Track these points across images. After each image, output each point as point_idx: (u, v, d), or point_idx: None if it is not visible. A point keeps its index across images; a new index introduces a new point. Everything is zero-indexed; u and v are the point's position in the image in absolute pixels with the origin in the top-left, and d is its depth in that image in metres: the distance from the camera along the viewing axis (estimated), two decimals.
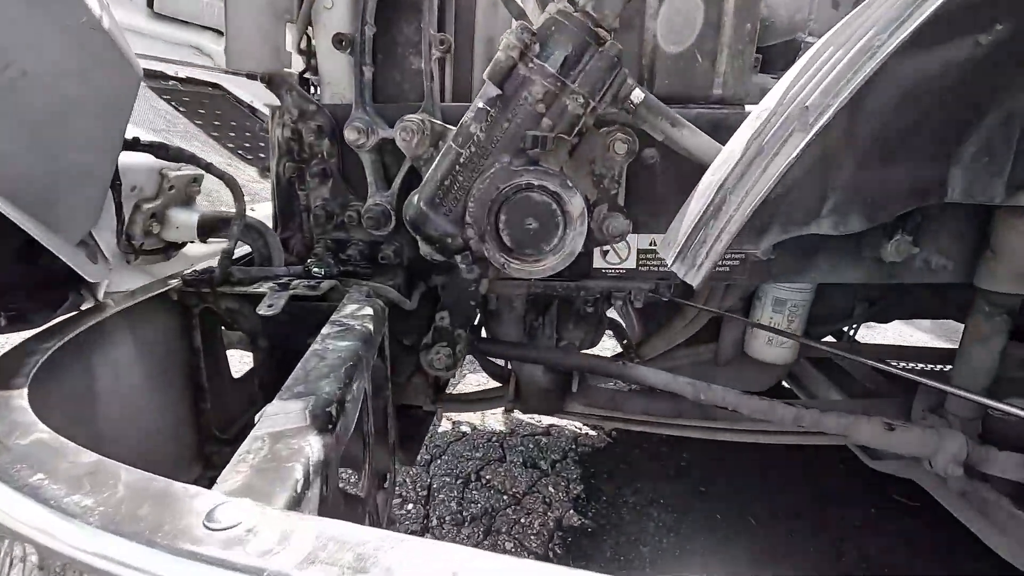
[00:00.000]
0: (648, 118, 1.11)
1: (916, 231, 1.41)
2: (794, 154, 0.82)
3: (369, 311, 1.04)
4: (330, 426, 0.66)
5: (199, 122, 2.77)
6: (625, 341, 2.00)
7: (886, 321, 2.28)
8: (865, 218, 1.28)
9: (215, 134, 2.76)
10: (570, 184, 1.08)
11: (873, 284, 2.02)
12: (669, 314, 2.02)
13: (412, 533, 2.29)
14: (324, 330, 0.94)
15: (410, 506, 2.51)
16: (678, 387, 1.46)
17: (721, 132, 1.20)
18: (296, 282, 1.16)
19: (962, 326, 1.51)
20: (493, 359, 2.00)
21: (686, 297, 1.86)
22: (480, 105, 1.08)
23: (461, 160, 1.10)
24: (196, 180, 1.38)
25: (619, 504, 2.52)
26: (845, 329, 2.29)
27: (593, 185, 1.24)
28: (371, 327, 0.98)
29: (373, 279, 1.31)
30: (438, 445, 2.99)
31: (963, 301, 1.99)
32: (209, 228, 1.29)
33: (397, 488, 2.63)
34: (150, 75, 2.61)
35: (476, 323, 1.94)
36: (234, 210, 1.22)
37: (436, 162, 1.14)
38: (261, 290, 1.13)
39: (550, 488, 2.64)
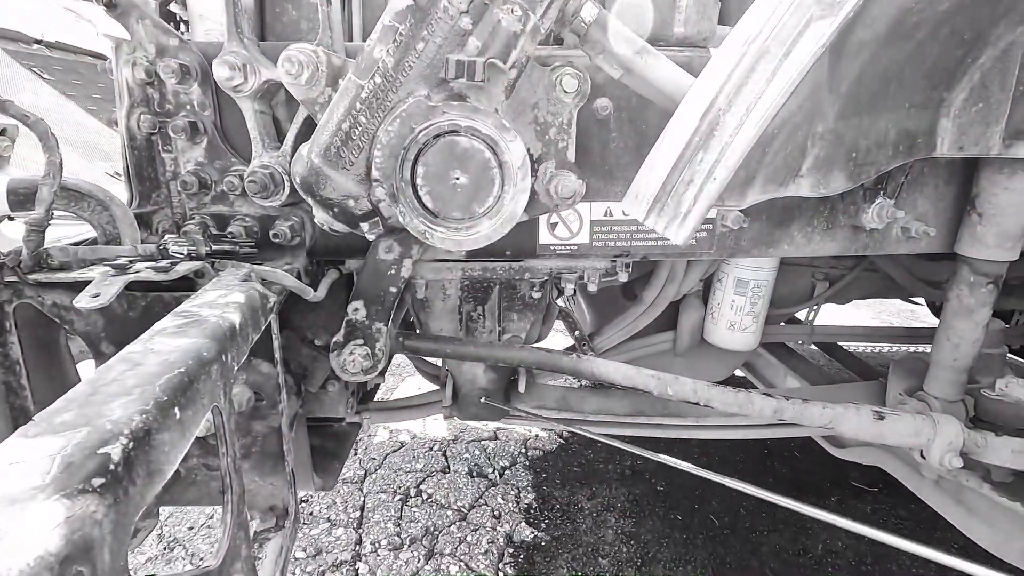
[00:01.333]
0: (605, 43, 0.88)
1: (897, 195, 1.26)
2: (819, 45, 0.60)
3: (237, 299, 0.75)
4: (103, 480, 0.38)
5: (72, 93, 2.33)
6: (577, 333, 1.78)
7: (845, 302, 2.18)
8: (848, 176, 1.11)
9: (92, 108, 2.33)
10: (507, 125, 0.83)
11: (843, 257, 1.91)
12: (625, 300, 1.82)
13: (342, 564, 1.99)
14: (158, 324, 0.65)
15: (339, 531, 2.20)
16: (642, 381, 1.25)
17: None
18: (141, 265, 0.85)
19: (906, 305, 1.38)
20: (427, 358, 1.73)
21: (643, 277, 1.67)
22: (387, 21, 0.81)
23: (363, 95, 0.83)
24: (3, 132, 1.03)
25: (574, 512, 2.31)
26: (801, 315, 2.17)
27: (536, 136, 1.00)
28: (235, 320, 0.69)
29: (266, 263, 1.02)
30: (373, 458, 2.68)
31: (925, 275, 1.90)
32: (23, 197, 0.95)
33: (326, 511, 2.31)
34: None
35: (405, 316, 1.66)
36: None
37: (333, 102, 0.87)
38: (90, 275, 0.82)
39: (499, 499, 2.40)
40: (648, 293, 1.71)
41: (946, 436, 1.16)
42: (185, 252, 0.91)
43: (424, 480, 2.52)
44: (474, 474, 2.56)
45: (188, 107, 1.09)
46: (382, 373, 1.37)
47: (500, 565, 2.02)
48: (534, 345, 1.45)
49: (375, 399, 1.82)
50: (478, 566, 2.02)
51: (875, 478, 2.33)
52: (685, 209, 0.66)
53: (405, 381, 3.28)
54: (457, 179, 0.84)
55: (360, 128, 0.84)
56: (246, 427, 1.02)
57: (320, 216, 0.93)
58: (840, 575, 2.02)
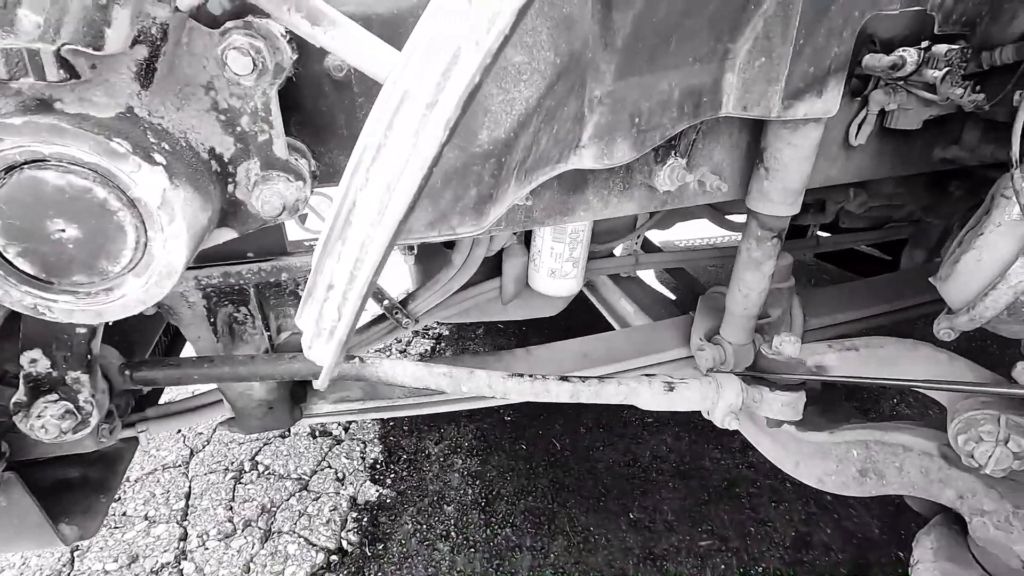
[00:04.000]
0: (271, 8, 0.61)
1: (690, 152, 1.16)
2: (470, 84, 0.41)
3: None
4: None
5: None
6: (386, 302, 1.60)
7: (668, 227, 2.19)
8: (632, 144, 0.98)
9: None
10: (122, 148, 0.56)
11: None
12: (438, 262, 1.65)
13: (163, 568, 1.81)
14: None
15: (160, 529, 1.98)
16: (433, 381, 1.13)
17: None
18: None
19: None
20: None
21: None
22: None
23: None
24: None
25: (421, 460, 2.28)
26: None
27: (223, 129, 0.73)
28: None
29: None
30: (200, 433, 2.42)
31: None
32: None
33: (142, 508, 2.07)
34: None
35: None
36: None
37: None
38: None
39: (343, 458, 2.30)
40: (456, 256, 1.55)
41: (727, 399, 1.19)
42: None
43: (260, 450, 2.33)
44: (317, 434, 2.42)
45: None
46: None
47: (343, 534, 1.97)
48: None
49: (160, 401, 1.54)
50: (319, 539, 1.94)
51: None
52: (329, 325, 0.48)
53: None
54: (62, 232, 0.57)
55: None
56: None
57: None
58: (664, 477, 2.22)
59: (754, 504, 2.10)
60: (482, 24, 0.43)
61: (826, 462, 1.42)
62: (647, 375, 1.22)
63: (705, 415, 1.25)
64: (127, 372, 1.03)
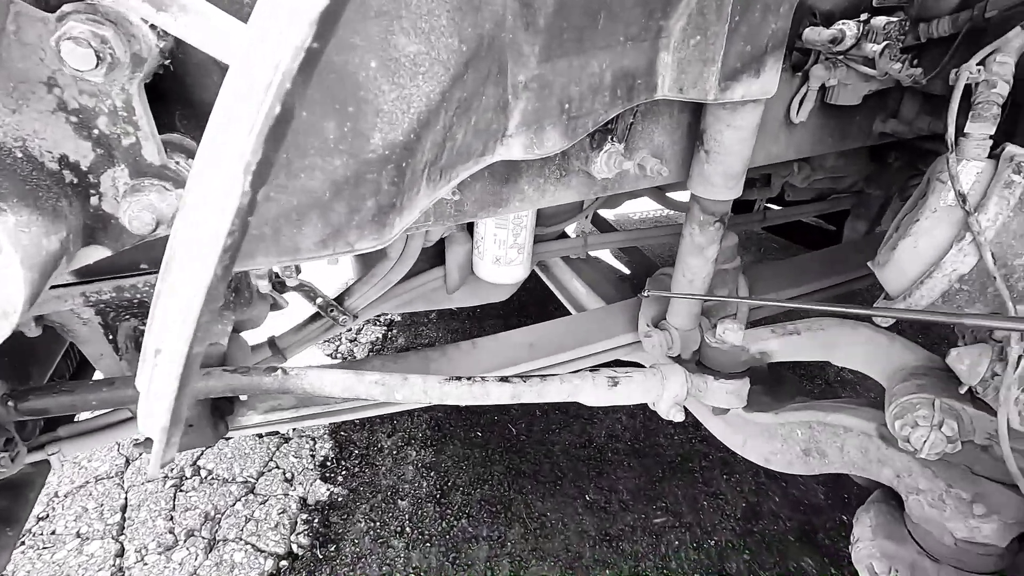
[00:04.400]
0: None
1: (627, 135, 1.10)
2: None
3: None
4: None
5: None
6: (319, 300, 1.50)
7: (616, 206, 2.15)
8: (563, 132, 0.91)
9: None
10: None
11: None
12: (376, 254, 1.55)
13: None
14: None
15: (94, 546, 1.87)
16: (364, 390, 1.05)
17: None
18: None
19: None
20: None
21: None
22: None
23: None
24: None
25: (373, 454, 2.22)
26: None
27: (76, 132, 0.63)
28: None
29: None
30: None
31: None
32: None
33: (73, 524, 1.94)
34: None
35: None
36: None
37: None
38: None
39: (291, 458, 2.21)
40: (392, 250, 1.46)
41: (671, 391, 1.17)
42: None
43: (203, 454, 2.22)
44: (263, 433, 2.32)
45: None
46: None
47: (293, 537, 1.90)
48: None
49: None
50: (267, 545, 1.87)
51: None
52: (159, 397, 0.41)
53: None
54: None
55: None
56: None
57: None
58: (619, 457, 2.23)
59: (706, 478, 2.14)
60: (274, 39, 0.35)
61: (772, 442, 1.43)
62: (592, 369, 1.18)
63: (651, 407, 1.23)
64: (11, 403, 0.92)
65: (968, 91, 0.91)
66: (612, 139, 1.07)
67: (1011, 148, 0.84)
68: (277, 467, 2.17)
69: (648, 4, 0.86)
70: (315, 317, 1.57)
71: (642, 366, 1.45)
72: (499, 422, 2.39)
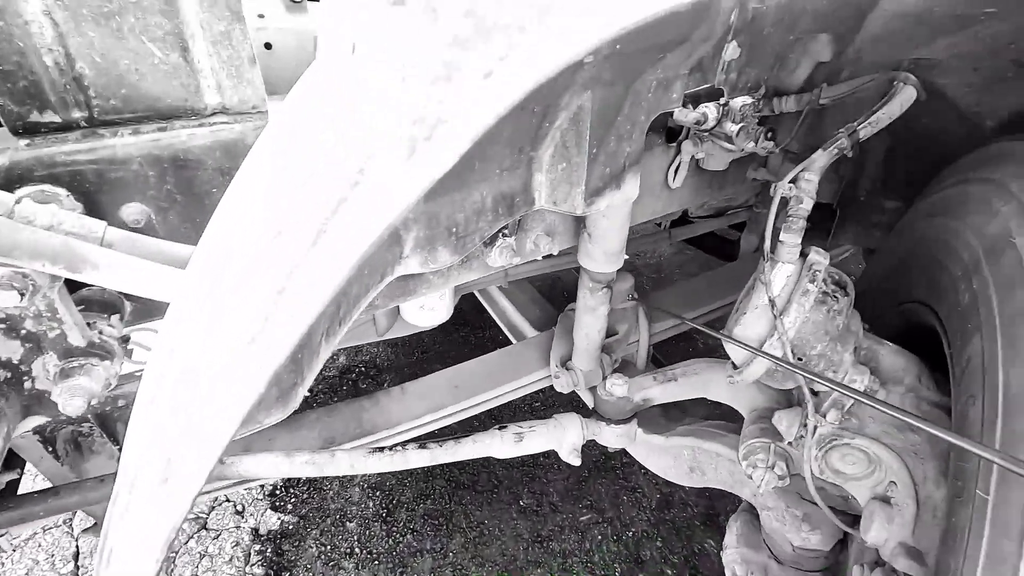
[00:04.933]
0: None
1: (517, 229, 1.25)
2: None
3: None
4: None
5: None
6: None
7: None
8: (453, 249, 1.05)
9: None
10: None
11: None
12: None
13: None
14: None
15: None
16: (295, 471, 1.19)
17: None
18: None
19: None
20: None
21: None
22: None
23: None
24: None
25: (320, 480, 2.36)
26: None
27: (4, 336, 0.72)
28: None
29: None
30: (87, 527, 2.32)
31: None
32: None
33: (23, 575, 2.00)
34: None
35: None
36: None
37: None
38: None
39: (241, 490, 2.32)
40: None
41: (569, 439, 1.36)
42: None
43: None
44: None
45: None
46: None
47: (247, 568, 2.03)
48: None
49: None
50: None
51: None
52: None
53: None
54: None
55: None
56: None
57: None
58: (549, 460, 2.45)
59: (626, 474, 2.39)
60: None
61: (667, 458, 1.66)
62: (501, 427, 1.35)
63: (558, 450, 1.42)
64: None
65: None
66: (503, 235, 1.21)
67: (812, 256, 1.04)
68: (227, 500, 2.28)
69: (516, 144, 1.00)
70: None
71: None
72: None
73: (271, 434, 1.57)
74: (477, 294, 2.57)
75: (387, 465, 1.24)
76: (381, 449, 1.25)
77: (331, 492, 2.30)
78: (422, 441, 1.29)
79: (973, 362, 0.78)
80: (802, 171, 1.07)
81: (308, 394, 2.82)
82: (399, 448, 1.26)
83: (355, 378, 2.88)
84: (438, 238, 1.02)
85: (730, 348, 1.13)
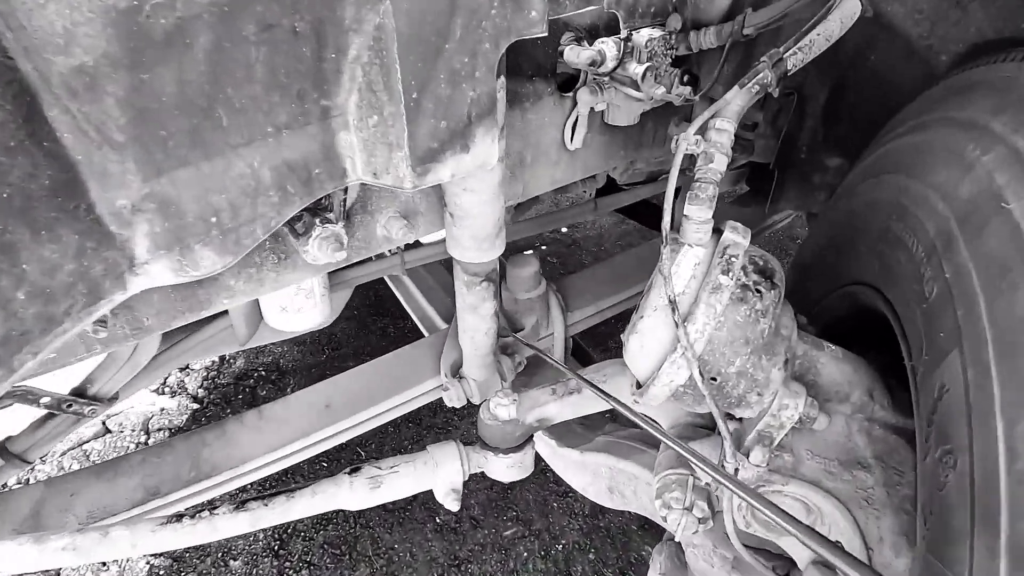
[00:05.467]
0: None
1: (346, 215, 0.92)
2: None
3: None
4: None
5: None
6: (46, 399, 1.24)
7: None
8: (222, 248, 0.73)
9: None
10: None
11: None
12: None
13: None
14: None
15: None
16: (51, 561, 0.86)
17: None
18: None
19: None
20: None
21: None
22: None
23: None
24: None
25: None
26: None
27: None
28: None
29: None
30: None
31: None
32: None
33: None
34: None
35: None
36: None
37: None
38: None
39: None
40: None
41: (445, 479, 1.07)
42: None
43: None
44: None
45: None
46: None
47: None
48: None
49: None
50: None
51: None
52: None
53: None
54: None
55: None
56: None
57: None
58: None
59: (557, 478, 2.14)
60: None
61: (585, 474, 1.40)
62: (352, 470, 1.05)
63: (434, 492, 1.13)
64: None
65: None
66: (321, 222, 0.88)
67: (727, 235, 0.75)
68: None
69: (290, 88, 0.66)
70: (48, 417, 1.30)
71: None
72: (347, 447, 2.25)
73: (75, 487, 1.22)
74: (388, 280, 2.24)
75: (186, 538, 0.92)
76: (179, 517, 0.93)
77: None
78: (241, 499, 0.97)
79: (950, 396, 0.51)
80: (713, 118, 0.78)
81: (196, 406, 2.46)
82: (205, 514, 0.94)
83: (253, 384, 2.53)
84: (190, 232, 0.69)
85: (628, 358, 0.85)
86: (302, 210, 0.88)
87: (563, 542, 1.94)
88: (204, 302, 0.91)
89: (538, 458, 2.22)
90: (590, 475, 1.39)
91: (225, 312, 1.55)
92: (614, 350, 2.84)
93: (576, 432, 1.44)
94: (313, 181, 0.76)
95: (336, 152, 0.76)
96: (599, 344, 2.85)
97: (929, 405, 0.56)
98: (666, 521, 0.94)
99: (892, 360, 0.82)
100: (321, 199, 0.89)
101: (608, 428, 1.43)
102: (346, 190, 0.90)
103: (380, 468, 1.04)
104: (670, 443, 0.75)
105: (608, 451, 1.27)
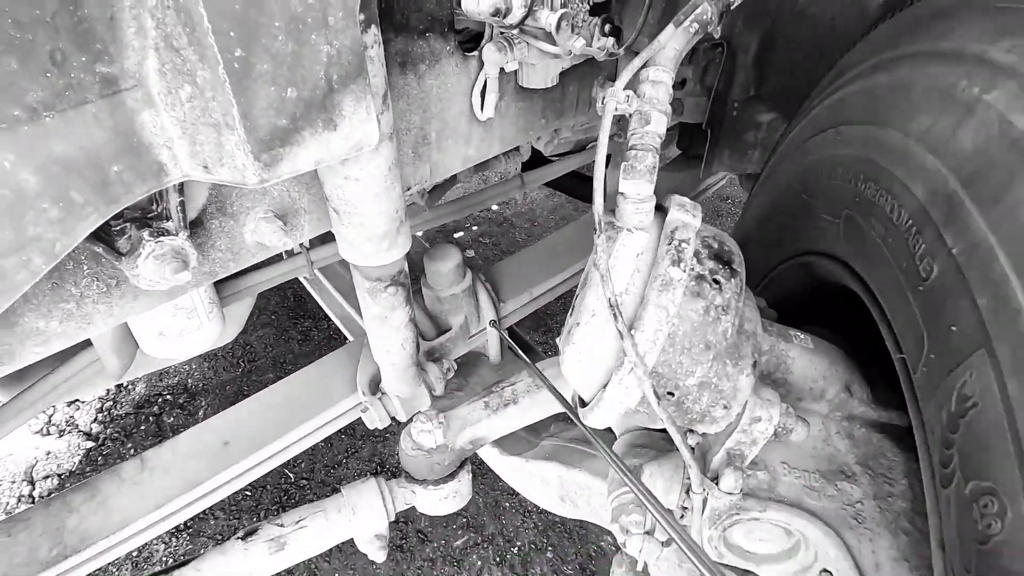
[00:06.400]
0: None
1: (185, 223, 0.71)
2: None
3: None
4: None
5: None
6: None
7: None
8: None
9: None
10: None
11: None
12: None
13: None
14: None
15: None
16: None
17: None
18: None
19: None
20: None
21: None
22: None
23: None
24: None
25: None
26: None
27: None
28: None
29: None
30: None
31: None
32: None
33: None
34: None
35: None
36: None
37: None
38: None
39: None
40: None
41: (367, 524, 0.89)
42: None
43: None
44: None
45: None
46: None
47: None
48: None
49: None
50: None
51: None
52: None
53: None
54: None
55: None
56: None
57: None
58: None
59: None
60: None
61: (533, 483, 1.26)
62: (247, 534, 0.85)
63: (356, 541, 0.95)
64: None
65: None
66: (152, 234, 0.66)
67: (674, 213, 0.60)
68: None
69: (34, 48, 0.44)
70: None
71: None
72: (273, 470, 2.02)
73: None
74: (303, 280, 2.00)
75: None
76: None
77: (184, 539, 1.71)
78: None
79: (982, 415, 0.39)
80: (645, 67, 0.62)
81: (91, 444, 2.15)
82: None
83: (158, 412, 2.23)
84: None
85: (566, 373, 0.69)
86: (123, 222, 0.66)
87: (518, 544, 1.82)
88: (9, 351, 0.67)
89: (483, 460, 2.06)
90: (539, 483, 1.26)
91: (89, 342, 1.28)
92: (556, 330, 2.72)
93: (519, 436, 1.30)
94: (113, 184, 0.54)
95: (141, 140, 0.54)
96: (540, 325, 2.72)
97: (942, 417, 0.44)
98: (625, 547, 0.81)
99: (862, 338, 0.71)
100: (150, 206, 0.67)
101: (554, 428, 1.29)
102: (181, 190, 0.68)
103: (282, 526, 0.85)
104: (626, 479, 0.60)
105: (556, 458, 1.13)
